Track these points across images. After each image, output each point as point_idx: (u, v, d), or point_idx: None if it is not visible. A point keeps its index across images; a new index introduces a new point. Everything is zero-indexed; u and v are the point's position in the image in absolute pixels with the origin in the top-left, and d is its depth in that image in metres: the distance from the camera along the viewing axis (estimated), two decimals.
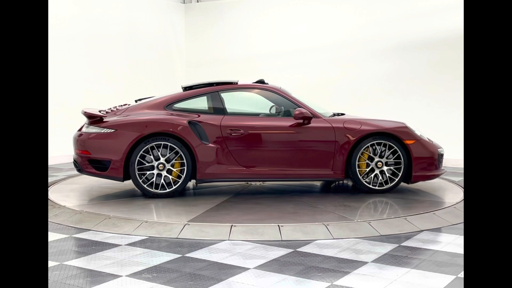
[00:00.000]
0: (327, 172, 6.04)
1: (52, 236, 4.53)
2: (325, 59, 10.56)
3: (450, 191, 6.47)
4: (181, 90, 6.45)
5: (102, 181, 6.86)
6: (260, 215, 5.09)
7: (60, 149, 9.13)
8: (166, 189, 5.83)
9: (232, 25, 11.63)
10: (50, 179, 7.24)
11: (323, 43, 10.58)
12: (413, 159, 5.99)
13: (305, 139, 6.04)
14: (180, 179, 5.85)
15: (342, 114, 6.58)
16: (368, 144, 5.98)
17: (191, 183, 6.78)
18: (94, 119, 6.01)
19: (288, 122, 6.07)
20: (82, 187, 6.69)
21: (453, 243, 4.34)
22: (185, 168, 5.84)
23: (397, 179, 6.06)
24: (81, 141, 5.98)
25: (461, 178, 7.50)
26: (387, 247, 4.20)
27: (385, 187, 6.07)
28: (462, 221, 4.97)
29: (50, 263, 3.77)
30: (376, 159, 6.01)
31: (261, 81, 6.57)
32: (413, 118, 9.20)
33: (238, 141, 5.98)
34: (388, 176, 6.05)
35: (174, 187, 5.84)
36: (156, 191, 5.83)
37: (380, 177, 6.05)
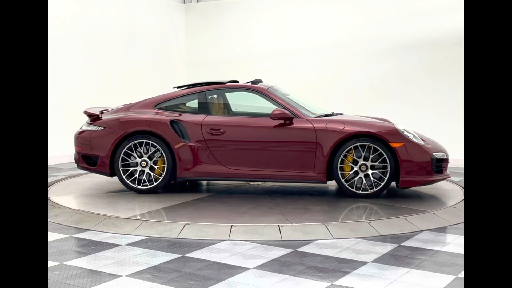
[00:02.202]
0: (309, 174, 5.84)
1: (52, 236, 4.53)
2: (325, 59, 10.56)
3: (450, 191, 6.46)
4: (173, 90, 6.66)
5: (102, 181, 6.89)
6: (205, 214, 5.10)
7: (60, 149, 9.13)
8: (148, 186, 6.04)
9: (232, 25, 11.63)
10: (50, 179, 7.24)
11: (323, 43, 10.57)
12: (400, 162, 5.61)
13: (286, 140, 5.90)
14: (161, 176, 6.03)
15: (341, 114, 6.51)
16: (352, 146, 5.71)
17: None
18: (92, 117, 6.40)
19: (270, 122, 5.94)
20: (82, 187, 6.69)
21: (453, 243, 4.34)
22: (165, 165, 5.97)
23: (382, 184, 5.68)
24: (78, 138, 6.42)
25: (461, 178, 7.49)
26: (387, 247, 4.20)
27: (369, 191, 5.72)
28: (462, 221, 4.97)
29: (50, 263, 3.77)
30: (361, 162, 5.69)
31: (258, 81, 6.57)
32: (413, 118, 9.22)
33: (218, 141, 5.99)
34: (375, 181, 5.70)
35: (155, 184, 6.03)
36: (138, 186, 6.07)
37: (364, 181, 5.71)
